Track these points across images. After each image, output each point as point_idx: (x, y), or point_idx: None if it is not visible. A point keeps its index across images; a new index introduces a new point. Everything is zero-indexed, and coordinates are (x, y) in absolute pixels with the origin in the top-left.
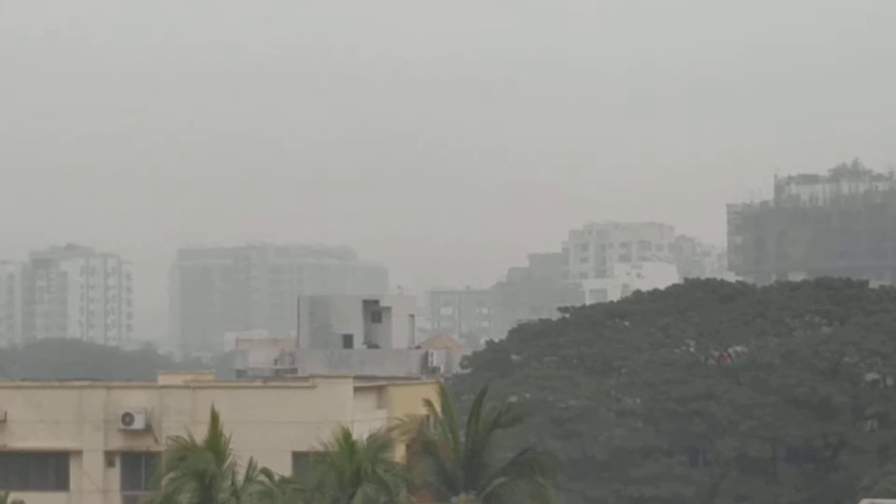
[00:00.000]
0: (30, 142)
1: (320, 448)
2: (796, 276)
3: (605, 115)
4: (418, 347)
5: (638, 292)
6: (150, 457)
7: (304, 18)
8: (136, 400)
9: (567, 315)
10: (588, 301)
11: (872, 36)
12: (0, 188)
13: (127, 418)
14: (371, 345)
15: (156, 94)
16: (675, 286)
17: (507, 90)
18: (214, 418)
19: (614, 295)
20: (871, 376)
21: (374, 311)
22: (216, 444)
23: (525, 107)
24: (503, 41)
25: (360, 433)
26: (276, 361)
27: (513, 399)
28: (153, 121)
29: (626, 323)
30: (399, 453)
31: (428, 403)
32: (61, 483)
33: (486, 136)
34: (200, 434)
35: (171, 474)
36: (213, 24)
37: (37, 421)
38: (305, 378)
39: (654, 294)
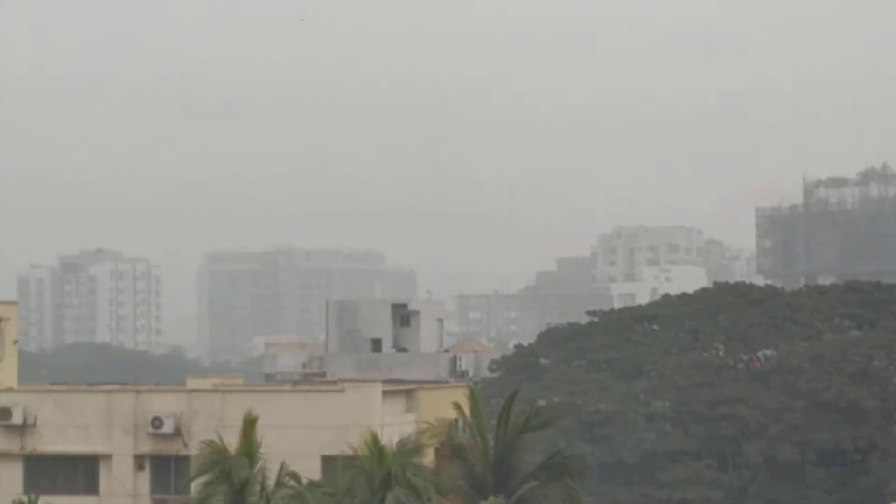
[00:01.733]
0: (59, 147)
1: (349, 452)
2: (825, 280)
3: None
4: (447, 351)
5: (667, 296)
6: (180, 461)
7: (334, 34)
8: (165, 404)
9: (596, 319)
10: (617, 305)
11: None
12: (29, 193)
13: (156, 422)
14: (400, 349)
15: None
16: (704, 290)
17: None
18: (249, 423)
19: (643, 298)
20: None
21: (402, 315)
22: (250, 448)
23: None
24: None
25: (390, 437)
26: (304, 365)
27: (542, 403)
28: (179, 126)
29: (655, 326)
30: (428, 457)
31: (457, 407)
32: (91, 487)
33: (511, 143)
34: (230, 438)
35: (203, 478)
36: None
37: (66, 425)
38: (334, 382)
39: (683, 298)
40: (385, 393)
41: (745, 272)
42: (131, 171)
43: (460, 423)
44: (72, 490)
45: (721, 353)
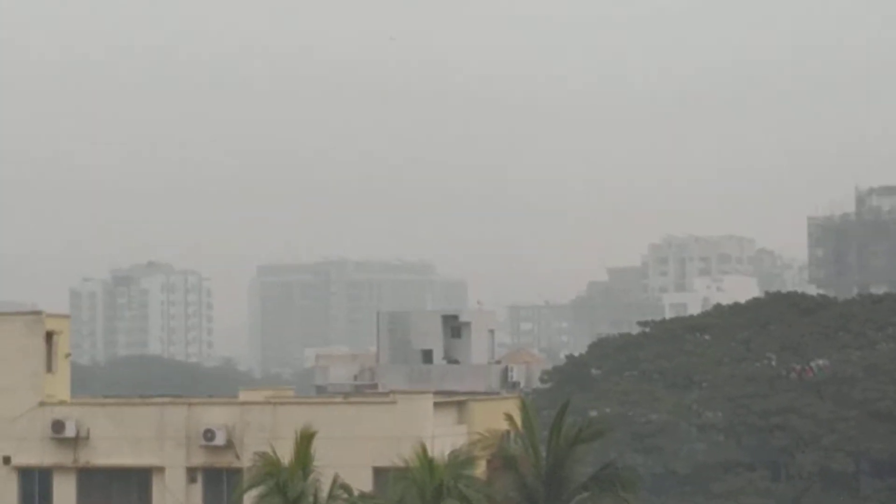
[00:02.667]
0: (109, 160)
1: (401, 464)
2: (878, 289)
3: (678, 123)
4: (498, 363)
5: (718, 306)
6: (232, 473)
7: (394, 32)
8: (217, 416)
9: (647, 329)
10: (668, 315)
11: None
12: (82, 207)
13: (208, 434)
14: (451, 360)
15: (231, 108)
16: (756, 300)
17: (578, 106)
18: (305, 437)
19: (694, 309)
20: None
21: (453, 327)
22: (305, 460)
23: (597, 125)
24: (568, 58)
25: (441, 449)
26: (355, 377)
27: (593, 414)
28: (231, 136)
29: (707, 337)
30: (480, 469)
31: (508, 418)
32: (144, 499)
33: (562, 153)
34: (282, 450)
35: (256, 491)
36: (290, 32)
37: (119, 437)
38: (385, 394)
39: (735, 308)
40: (436, 404)
41: (797, 282)
42: (180, 183)
43: (512, 434)
44: (125, 503)
45: (773, 364)
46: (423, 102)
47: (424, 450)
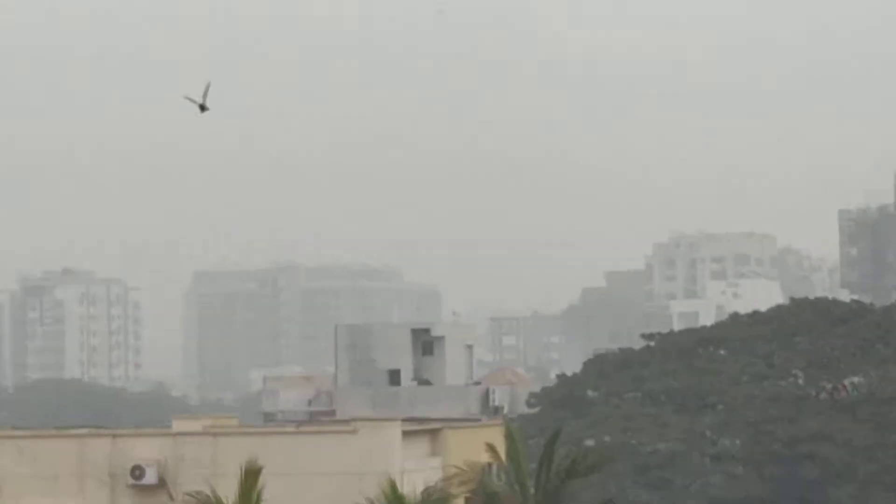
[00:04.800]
0: (20, 147)
1: (365, 503)
2: None
3: (689, 104)
4: (478, 384)
5: (735, 315)
6: None
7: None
8: (147, 450)
9: (652, 343)
10: (676, 326)
11: None
12: None
13: (136, 472)
14: (422, 381)
15: (151, 87)
16: (779, 307)
17: (582, 83)
18: (251, 473)
19: (707, 319)
20: None
21: (424, 342)
22: (250, 501)
23: (598, 99)
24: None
25: (412, 485)
26: (310, 402)
27: (590, 443)
28: (158, 118)
29: (722, 351)
30: None
31: (490, 449)
32: None
33: (553, 132)
34: (223, 488)
35: None
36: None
37: (31, 476)
38: (346, 422)
39: (755, 317)
40: (405, 433)
41: (827, 286)
42: (100, 176)
43: (494, 467)
44: None
45: (800, 382)
46: (395, 78)
47: (393, 487)
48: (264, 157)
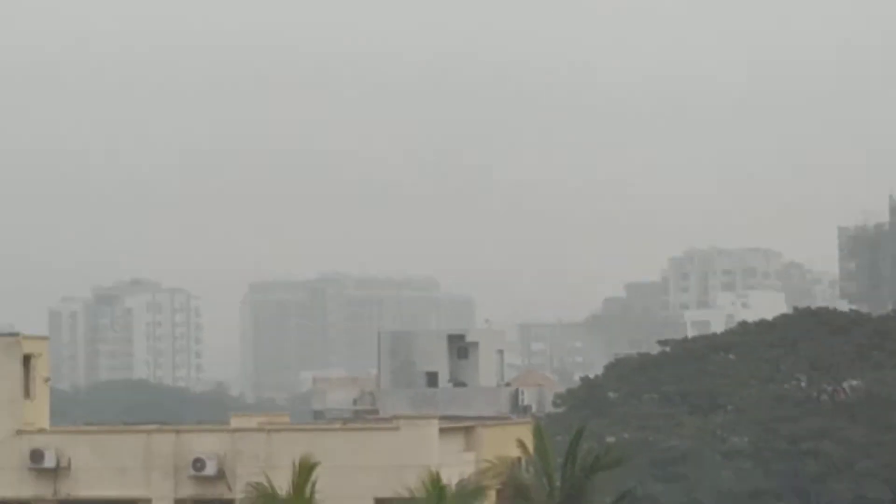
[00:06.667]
0: (89, 168)
1: (405, 494)
2: None
3: (700, 129)
4: (508, 385)
5: (744, 323)
6: None
7: (395, 32)
8: (207, 444)
9: (667, 349)
10: (690, 333)
11: None
12: (60, 219)
13: (198, 464)
14: (457, 383)
15: (220, 108)
16: (784, 316)
17: (599, 112)
18: (305, 468)
19: (718, 326)
20: None
21: (459, 347)
22: (302, 493)
23: (616, 128)
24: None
25: (448, 478)
26: (355, 402)
27: (611, 440)
28: (218, 139)
29: (732, 356)
30: (489, 499)
31: (520, 445)
32: None
33: (576, 159)
34: (277, 479)
35: None
36: (280, 30)
37: (102, 468)
38: (387, 419)
39: (762, 325)
40: (442, 430)
41: (828, 297)
42: (166, 193)
43: (524, 462)
44: None
45: (803, 385)
46: (428, 102)
47: (433, 478)
48: (315, 171)
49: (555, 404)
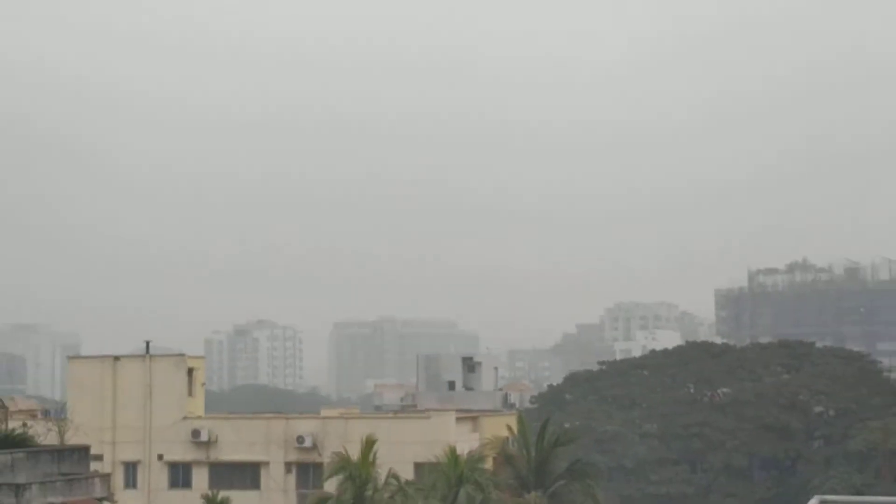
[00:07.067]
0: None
1: (434, 460)
2: (765, 339)
3: (628, 222)
4: (501, 390)
5: (653, 351)
6: (317, 466)
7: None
8: (306, 427)
9: (604, 367)
10: (618, 357)
11: (815, 147)
12: (214, 279)
13: (300, 439)
14: (468, 388)
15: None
16: (679, 346)
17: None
18: (369, 443)
19: (637, 353)
20: (818, 409)
21: (470, 365)
22: (367, 459)
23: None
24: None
25: (461, 450)
26: (402, 400)
27: (567, 426)
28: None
29: (646, 372)
30: (488, 464)
31: (508, 429)
32: (255, 485)
33: (534, 247)
34: (351, 450)
35: (334, 479)
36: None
37: (238, 441)
38: (423, 411)
39: (665, 352)
40: (458, 419)
41: (708, 334)
42: (282, 258)
43: (511, 439)
44: (242, 487)
45: (692, 391)
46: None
47: (452, 450)
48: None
49: (531, 402)
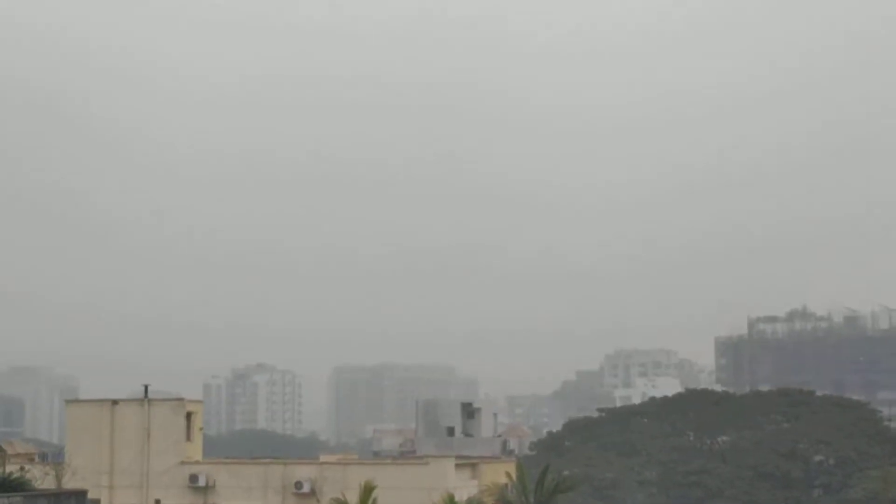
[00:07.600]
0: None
1: None
2: (764, 387)
3: (630, 274)
4: (500, 436)
5: (653, 398)
6: None
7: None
8: (304, 472)
9: (603, 414)
10: (618, 404)
11: (812, 209)
12: (208, 322)
13: (298, 484)
14: (467, 434)
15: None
16: (679, 394)
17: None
18: (368, 489)
19: (637, 400)
20: (818, 458)
21: (469, 411)
22: (366, 503)
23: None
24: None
25: (460, 496)
26: (400, 445)
27: (566, 473)
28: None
29: (645, 420)
30: None
31: (507, 475)
32: None
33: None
34: (350, 496)
35: None
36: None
37: (236, 486)
38: (421, 457)
39: (664, 399)
40: (457, 465)
41: (708, 382)
42: (282, 309)
43: (510, 486)
44: None
45: (691, 438)
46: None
47: (450, 497)
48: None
49: (530, 449)
